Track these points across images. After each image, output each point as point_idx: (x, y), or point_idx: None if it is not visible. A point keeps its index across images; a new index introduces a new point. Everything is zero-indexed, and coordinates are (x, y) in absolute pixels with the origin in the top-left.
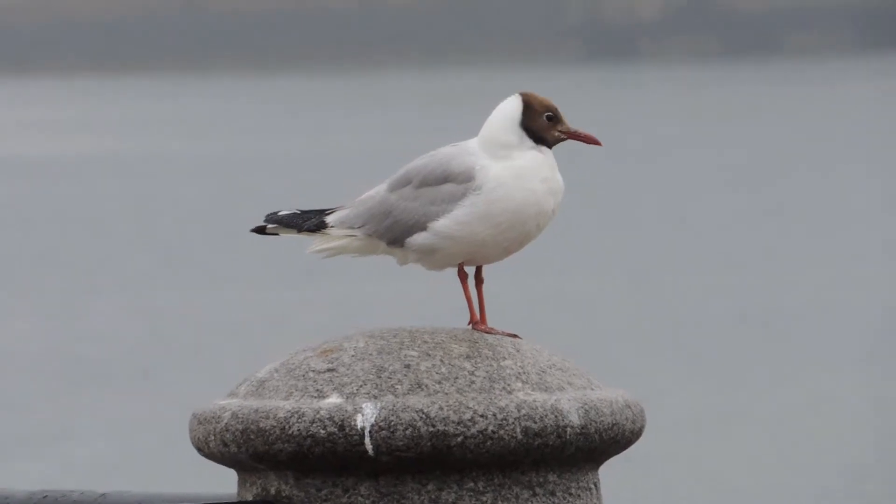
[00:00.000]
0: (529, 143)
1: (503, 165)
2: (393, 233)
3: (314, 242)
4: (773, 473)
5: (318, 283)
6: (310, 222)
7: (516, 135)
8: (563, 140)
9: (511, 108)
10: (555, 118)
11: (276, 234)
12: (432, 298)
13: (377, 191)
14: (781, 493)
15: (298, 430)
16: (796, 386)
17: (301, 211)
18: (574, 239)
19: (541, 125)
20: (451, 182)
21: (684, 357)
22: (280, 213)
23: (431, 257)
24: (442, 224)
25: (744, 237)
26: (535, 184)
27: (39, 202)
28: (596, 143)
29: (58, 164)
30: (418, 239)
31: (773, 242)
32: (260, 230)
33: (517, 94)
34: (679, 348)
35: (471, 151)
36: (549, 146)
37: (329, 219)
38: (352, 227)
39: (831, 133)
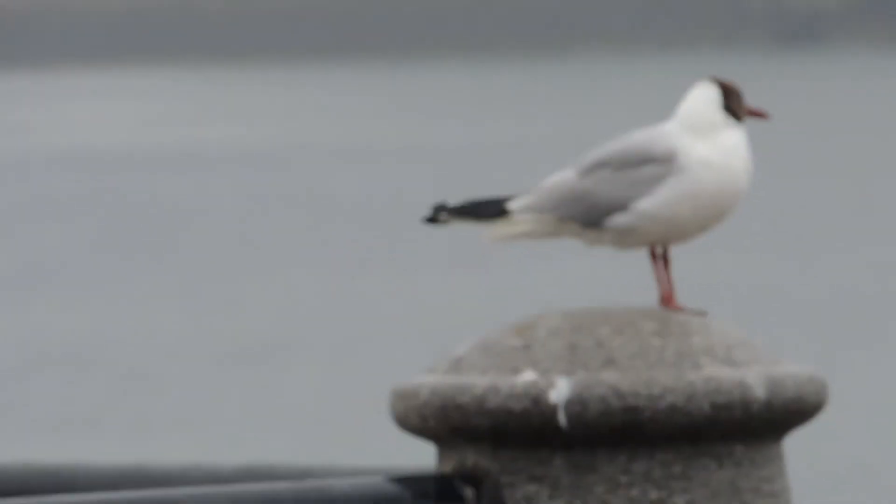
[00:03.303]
0: (732, 121)
1: (707, 145)
2: (591, 215)
3: (495, 228)
4: None
5: (500, 266)
6: (490, 210)
7: (721, 114)
8: (747, 118)
9: (711, 91)
10: (742, 98)
11: (447, 224)
12: (619, 278)
13: (564, 177)
14: None
15: (494, 405)
16: None
17: (474, 200)
18: (759, 218)
19: (735, 105)
20: (653, 163)
21: (867, 335)
22: (450, 204)
23: (629, 238)
24: (644, 204)
25: None
26: (738, 162)
27: (203, 190)
28: (767, 117)
29: (212, 151)
30: (618, 220)
31: None
32: (432, 220)
33: (710, 78)
34: (860, 326)
35: (669, 133)
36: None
37: (512, 205)
38: (541, 212)
39: None
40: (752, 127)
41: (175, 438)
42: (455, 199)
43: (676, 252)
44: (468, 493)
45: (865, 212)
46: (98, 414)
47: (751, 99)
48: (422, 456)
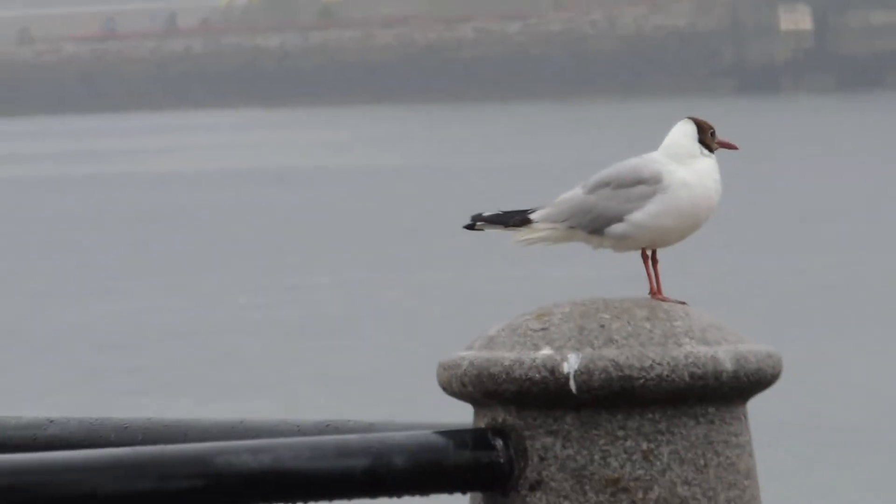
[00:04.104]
0: (705, 152)
1: (686, 170)
2: (595, 224)
3: (519, 234)
4: None
5: (526, 265)
6: (515, 219)
7: (697, 146)
8: (718, 149)
9: (690, 127)
10: (713, 133)
11: (482, 230)
12: (617, 275)
13: (574, 193)
14: None
15: (519, 374)
16: None
17: (503, 211)
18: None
19: (708, 139)
20: (643, 184)
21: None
22: (485, 214)
23: (624, 243)
24: (636, 216)
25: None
26: (710, 183)
27: (324, 200)
28: (735, 148)
29: (371, 172)
30: (617, 229)
31: None
32: (469, 227)
33: (688, 118)
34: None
35: (656, 160)
36: (712, 153)
37: (533, 216)
38: (555, 222)
39: None
40: (723, 155)
41: (267, 399)
42: (488, 210)
43: (662, 254)
44: (498, 443)
45: (800, 220)
46: (204, 377)
47: (722, 134)
48: (461, 414)
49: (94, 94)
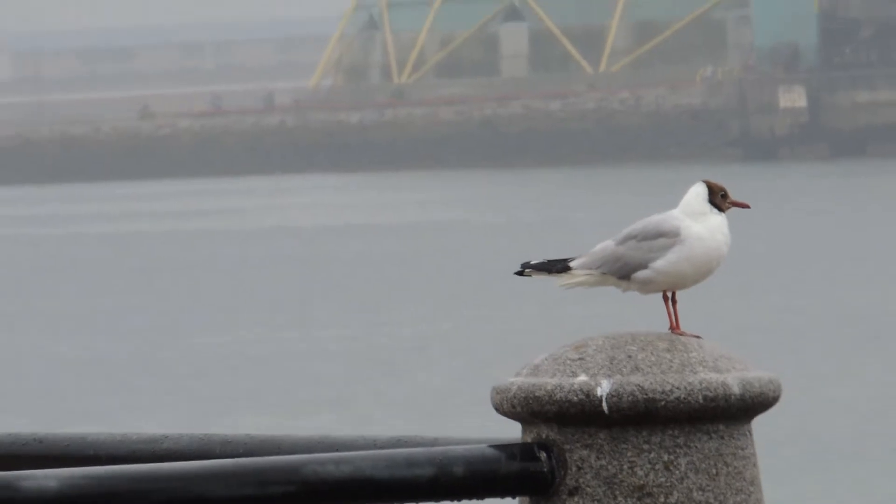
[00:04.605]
0: (715, 211)
1: (700, 225)
2: (623, 271)
3: (561, 279)
4: None
5: (566, 304)
6: (558, 266)
7: (707, 206)
8: (730, 207)
9: (702, 189)
10: (725, 195)
11: (530, 276)
12: (642, 313)
13: (606, 245)
14: None
15: (560, 397)
16: None
17: (548, 260)
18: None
19: (718, 200)
20: (664, 237)
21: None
22: (532, 262)
23: (648, 286)
24: (658, 264)
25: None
26: (719, 237)
27: (410, 250)
28: (746, 206)
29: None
30: (642, 274)
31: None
32: (519, 273)
33: (702, 182)
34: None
35: (675, 217)
36: (723, 212)
37: (572, 264)
38: (590, 269)
39: None
40: (735, 213)
41: (347, 417)
42: (535, 259)
43: (680, 295)
44: (542, 455)
45: (798, 266)
46: (292, 398)
47: (733, 195)
48: (511, 431)
49: (202, 161)
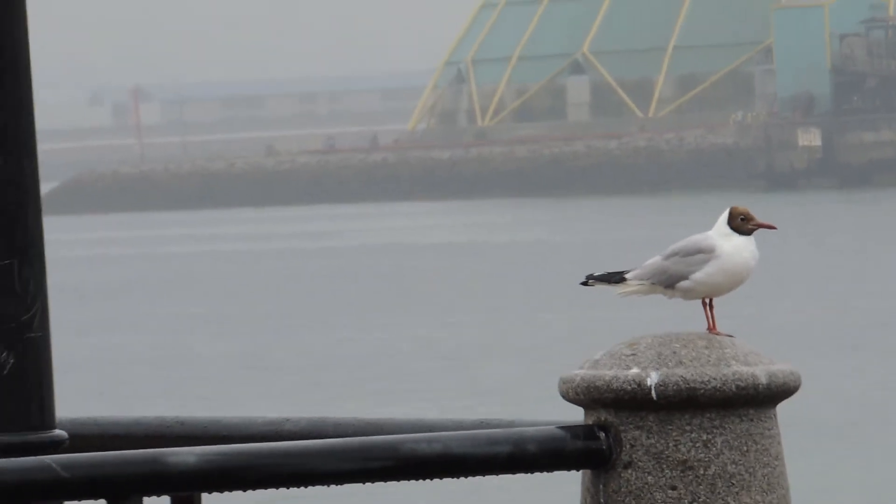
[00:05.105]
0: (735, 234)
1: (730, 243)
2: (669, 282)
3: (618, 289)
4: None
5: (622, 309)
6: (615, 278)
7: (727, 229)
8: (755, 229)
9: (724, 215)
10: (746, 218)
11: (593, 286)
12: (685, 316)
13: (654, 260)
14: None
15: (616, 386)
16: None
17: (607, 272)
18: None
19: (737, 223)
20: (702, 253)
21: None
22: (595, 274)
23: (689, 294)
24: (697, 276)
25: None
26: (746, 254)
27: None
28: (773, 227)
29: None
30: (684, 284)
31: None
32: (584, 283)
33: (730, 208)
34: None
35: (710, 236)
36: (748, 234)
37: (628, 276)
38: (642, 280)
39: None
40: (763, 233)
41: (439, 403)
42: (597, 271)
43: (716, 301)
44: (601, 435)
45: (814, 278)
46: (394, 387)
47: (762, 218)
48: (575, 414)
49: (319, 192)
